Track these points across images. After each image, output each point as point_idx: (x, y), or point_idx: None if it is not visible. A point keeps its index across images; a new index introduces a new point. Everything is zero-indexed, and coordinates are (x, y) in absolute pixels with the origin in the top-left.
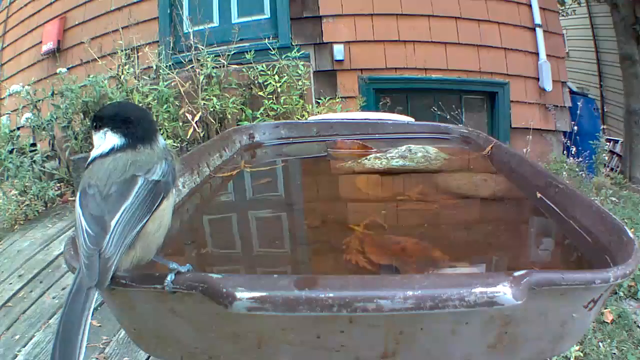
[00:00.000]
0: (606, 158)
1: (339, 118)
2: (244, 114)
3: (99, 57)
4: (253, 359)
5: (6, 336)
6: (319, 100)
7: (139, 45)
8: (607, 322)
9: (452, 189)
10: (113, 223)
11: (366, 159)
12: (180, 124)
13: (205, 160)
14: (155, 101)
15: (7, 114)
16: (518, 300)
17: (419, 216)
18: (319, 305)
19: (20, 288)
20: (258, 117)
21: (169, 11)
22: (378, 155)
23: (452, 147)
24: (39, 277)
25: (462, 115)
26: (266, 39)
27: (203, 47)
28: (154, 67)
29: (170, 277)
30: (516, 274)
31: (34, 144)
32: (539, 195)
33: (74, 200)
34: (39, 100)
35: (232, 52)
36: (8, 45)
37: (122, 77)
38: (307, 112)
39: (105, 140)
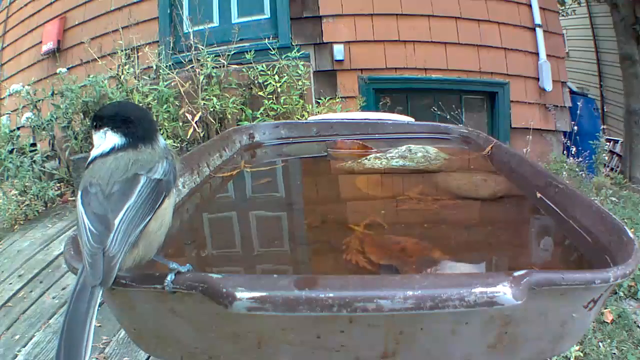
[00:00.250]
0: (606, 158)
1: (339, 118)
2: (244, 114)
3: (99, 57)
4: (253, 359)
5: (6, 336)
6: (319, 100)
7: (139, 45)
8: (607, 322)
9: (452, 189)
10: (117, 221)
11: (366, 159)
12: (180, 124)
13: (205, 160)
14: (155, 101)
15: (7, 113)
16: (518, 300)
17: (418, 216)
18: (319, 305)
19: (20, 288)
20: (258, 117)
21: (169, 11)
22: (378, 155)
23: (452, 147)
24: (39, 277)
25: (462, 115)
26: (266, 39)
27: (203, 47)
28: (154, 67)
29: (170, 277)
30: (516, 274)
31: (34, 144)
32: (539, 195)
33: (74, 200)
34: (39, 100)
35: (232, 52)
36: (8, 45)
37: (122, 77)
38: (307, 112)
39: (106, 139)
